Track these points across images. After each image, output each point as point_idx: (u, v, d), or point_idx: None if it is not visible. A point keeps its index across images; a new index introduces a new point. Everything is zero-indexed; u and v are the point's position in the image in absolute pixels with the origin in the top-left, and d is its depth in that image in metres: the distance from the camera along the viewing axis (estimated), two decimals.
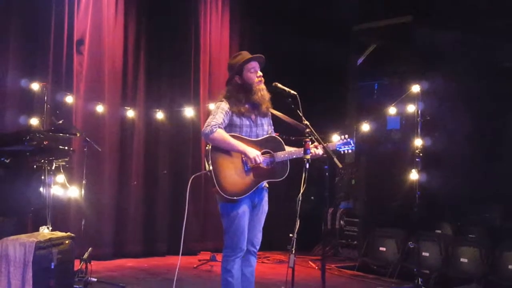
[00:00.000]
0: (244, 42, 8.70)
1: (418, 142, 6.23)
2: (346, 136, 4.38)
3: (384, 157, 8.32)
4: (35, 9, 6.84)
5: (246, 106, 4.24)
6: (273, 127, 4.46)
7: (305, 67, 8.70)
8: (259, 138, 4.27)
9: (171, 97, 7.95)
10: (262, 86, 4.28)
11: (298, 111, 4.05)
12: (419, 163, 6.17)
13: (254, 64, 4.28)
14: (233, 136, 4.15)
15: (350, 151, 4.41)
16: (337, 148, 4.37)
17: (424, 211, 6.28)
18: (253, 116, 4.29)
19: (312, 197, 7.94)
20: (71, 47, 7.10)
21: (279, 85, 4.20)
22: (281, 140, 4.31)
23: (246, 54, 4.32)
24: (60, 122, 5.89)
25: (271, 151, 4.22)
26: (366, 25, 8.84)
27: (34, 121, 6.43)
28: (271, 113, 4.40)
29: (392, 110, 7.06)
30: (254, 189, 4.16)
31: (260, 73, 4.29)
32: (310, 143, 3.98)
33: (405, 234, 7.04)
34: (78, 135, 6.21)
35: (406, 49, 8.27)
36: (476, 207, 7.59)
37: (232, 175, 4.11)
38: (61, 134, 5.95)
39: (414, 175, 6.25)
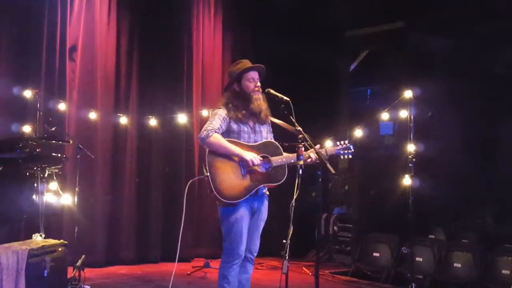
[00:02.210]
0: (237, 48, 8.70)
1: (411, 148, 6.24)
2: (346, 141, 4.38)
3: (377, 162, 8.33)
4: (28, 16, 6.83)
5: (244, 112, 4.25)
6: (273, 135, 4.46)
7: (298, 73, 8.70)
8: (256, 143, 4.28)
9: (164, 104, 7.92)
10: (259, 95, 4.28)
11: (291, 117, 4.06)
12: (412, 168, 6.18)
13: (254, 74, 4.29)
14: (230, 142, 4.16)
15: (350, 156, 4.40)
16: (336, 153, 4.37)
17: (417, 216, 6.29)
18: (251, 123, 4.30)
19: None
20: (63, 54, 7.09)
21: (272, 91, 4.22)
22: (279, 145, 4.32)
23: (246, 63, 4.33)
24: (53, 129, 5.89)
25: (268, 156, 4.23)
26: (359, 31, 8.88)
27: (27, 129, 6.39)
28: (271, 120, 4.42)
29: (385, 116, 7.07)
30: (251, 193, 4.16)
31: (258, 84, 4.30)
32: (303, 149, 3.99)
33: (398, 239, 7.05)
34: (71, 142, 6.20)
35: (399, 54, 8.31)
36: (469, 212, 7.61)
37: (229, 179, 4.11)
38: (53, 141, 5.96)
39: (407, 180, 6.26)
